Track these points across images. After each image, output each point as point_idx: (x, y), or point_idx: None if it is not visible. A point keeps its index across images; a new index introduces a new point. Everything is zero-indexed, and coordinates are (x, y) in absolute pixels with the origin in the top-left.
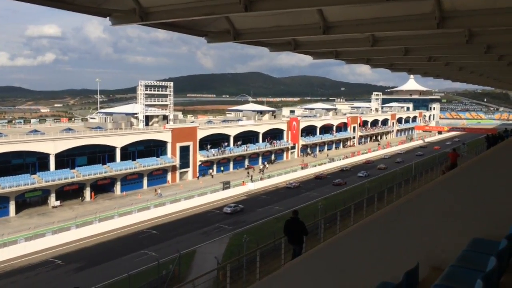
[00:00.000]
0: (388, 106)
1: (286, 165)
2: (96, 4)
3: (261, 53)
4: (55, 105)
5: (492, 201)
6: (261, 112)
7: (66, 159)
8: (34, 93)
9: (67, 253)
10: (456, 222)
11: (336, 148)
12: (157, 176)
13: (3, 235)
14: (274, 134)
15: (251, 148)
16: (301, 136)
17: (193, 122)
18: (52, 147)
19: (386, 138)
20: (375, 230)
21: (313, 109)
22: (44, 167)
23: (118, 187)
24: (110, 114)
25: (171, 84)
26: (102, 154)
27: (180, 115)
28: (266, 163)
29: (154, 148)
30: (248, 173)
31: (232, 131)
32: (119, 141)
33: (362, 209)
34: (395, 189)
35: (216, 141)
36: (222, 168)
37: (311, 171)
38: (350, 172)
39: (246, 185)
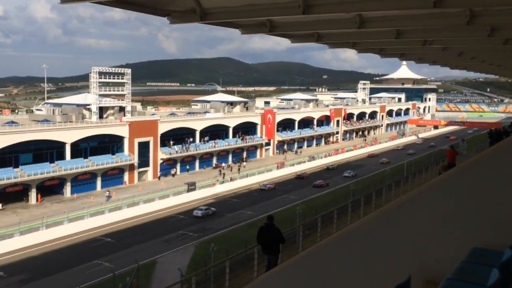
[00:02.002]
0: (377, 97)
1: (260, 164)
2: None
3: (231, 35)
4: None
5: (495, 205)
6: (232, 104)
7: (9, 156)
8: None
9: (10, 264)
10: (453, 230)
11: (317, 144)
12: (113, 176)
13: None
14: (246, 129)
15: (220, 145)
16: (277, 131)
17: (153, 114)
18: None
19: (375, 133)
20: (361, 238)
21: (291, 100)
22: None
23: (68, 188)
24: (59, 105)
25: (129, 71)
26: (50, 151)
27: (138, 106)
28: (243, 160)
29: (109, 144)
30: (220, 171)
31: (198, 125)
32: (69, 136)
33: (347, 214)
34: (385, 191)
35: (180, 136)
36: (187, 167)
37: (288, 171)
38: (335, 172)
39: (214, 186)
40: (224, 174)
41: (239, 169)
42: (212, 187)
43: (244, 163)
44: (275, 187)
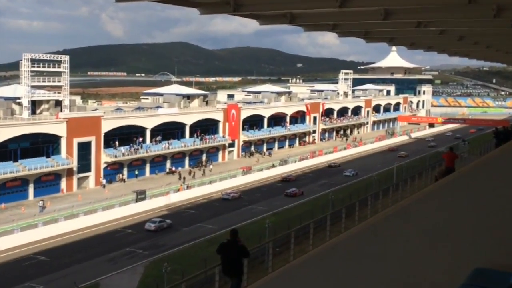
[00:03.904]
0: (362, 89)
1: (222, 169)
2: None
3: (188, 16)
4: None
5: (500, 218)
6: (189, 97)
7: None
8: None
9: None
10: (452, 247)
11: (290, 146)
12: (47, 183)
13: None
14: (206, 127)
15: (175, 146)
16: (243, 129)
17: (96, 109)
18: None
19: (359, 132)
20: (342, 257)
21: (259, 92)
22: None
23: None
24: None
25: (67, 58)
26: None
27: (78, 100)
28: (203, 164)
29: (43, 145)
30: (180, 176)
31: (149, 122)
32: None
33: (325, 228)
34: (370, 201)
35: (127, 135)
36: (136, 172)
37: (256, 177)
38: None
39: (168, 195)
40: (184, 178)
41: (204, 172)
42: (166, 195)
43: (211, 166)
44: (240, 196)
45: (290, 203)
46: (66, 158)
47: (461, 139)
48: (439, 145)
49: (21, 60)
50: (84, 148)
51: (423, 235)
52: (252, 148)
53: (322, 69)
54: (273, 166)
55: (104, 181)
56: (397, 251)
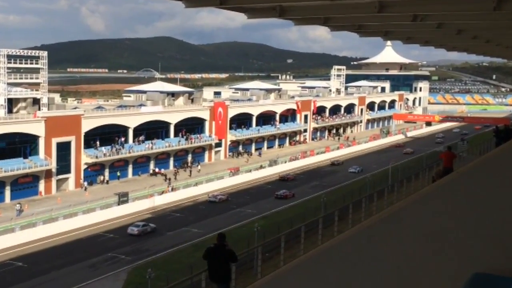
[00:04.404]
0: (355, 86)
1: (209, 170)
2: None
3: (172, 9)
4: None
5: (501, 221)
6: (173, 95)
7: None
8: None
9: None
10: (450, 251)
11: (280, 145)
12: (25, 185)
13: None
14: (191, 126)
15: (159, 146)
16: (230, 128)
17: (76, 108)
18: None
19: (352, 131)
20: (335, 262)
21: (248, 90)
22: None
23: None
24: None
25: (45, 54)
26: None
27: (57, 98)
28: (189, 165)
29: (20, 145)
30: (166, 178)
31: (132, 121)
32: None
33: (317, 232)
34: (364, 204)
35: (108, 135)
36: (118, 174)
37: (245, 178)
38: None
39: (152, 197)
40: (170, 179)
41: (190, 174)
42: (149, 198)
43: (199, 167)
44: (228, 199)
45: (280, 206)
46: (45, 159)
47: (467, 135)
48: (446, 142)
49: None
50: (64, 149)
51: (419, 239)
52: (240, 148)
53: (313, 65)
54: (261, 167)
55: (85, 183)
56: (392, 255)
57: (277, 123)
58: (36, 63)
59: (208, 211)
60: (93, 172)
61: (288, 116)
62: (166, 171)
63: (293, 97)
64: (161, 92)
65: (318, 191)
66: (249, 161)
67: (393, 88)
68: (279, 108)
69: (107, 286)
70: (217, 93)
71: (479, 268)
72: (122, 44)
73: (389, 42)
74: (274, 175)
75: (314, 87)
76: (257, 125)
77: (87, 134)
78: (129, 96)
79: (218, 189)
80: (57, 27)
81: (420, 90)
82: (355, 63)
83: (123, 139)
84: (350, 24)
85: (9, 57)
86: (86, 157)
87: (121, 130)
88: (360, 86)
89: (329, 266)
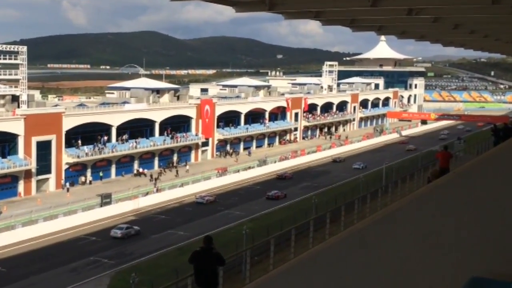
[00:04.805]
0: (348, 83)
1: (195, 170)
2: None
3: (157, 3)
4: None
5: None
6: (158, 91)
7: None
8: None
9: None
10: (447, 254)
11: (269, 144)
12: (3, 186)
13: None
14: (177, 124)
15: (143, 145)
16: (218, 127)
17: (56, 105)
18: None
19: (344, 130)
20: (326, 266)
21: (236, 86)
22: None
23: None
24: None
25: (24, 49)
26: None
27: (37, 95)
28: (174, 165)
29: None
30: (151, 178)
31: (115, 119)
32: None
33: (308, 235)
34: (357, 205)
35: (91, 134)
36: (100, 174)
37: (233, 179)
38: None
39: (136, 199)
40: (156, 179)
41: (177, 174)
42: (133, 199)
43: (187, 166)
44: (216, 200)
45: (270, 207)
46: (24, 159)
47: (471, 132)
48: (450, 138)
49: None
50: (44, 148)
51: (415, 242)
52: (228, 148)
53: (304, 61)
54: (250, 167)
55: (67, 184)
56: (386, 259)
57: (267, 121)
58: (15, 59)
59: (194, 213)
60: (75, 173)
61: (278, 114)
62: (150, 171)
63: (283, 94)
64: (146, 89)
65: (310, 191)
66: (238, 160)
67: (387, 85)
68: (268, 106)
69: None
70: (204, 90)
71: (477, 272)
72: (105, 39)
73: (383, 37)
74: (263, 175)
75: (305, 84)
76: (245, 123)
77: (69, 132)
78: (112, 93)
79: (205, 190)
80: (37, 21)
81: (415, 87)
82: (347, 58)
83: (106, 138)
84: (343, 18)
85: None
86: (68, 157)
87: (103, 129)
88: (353, 83)
89: (320, 270)
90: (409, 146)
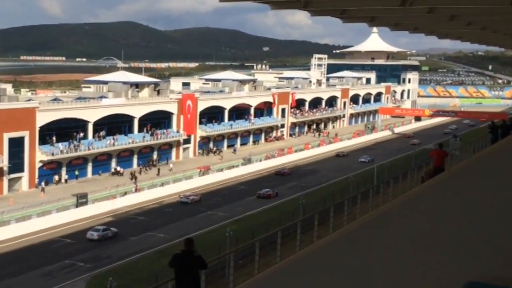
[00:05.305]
0: (338, 77)
1: (177, 168)
2: None
3: None
4: None
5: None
6: (137, 85)
7: None
8: None
9: None
10: (441, 258)
11: (255, 142)
12: None
13: None
14: (157, 120)
15: (121, 142)
16: (200, 123)
17: (30, 100)
18: None
19: (334, 126)
20: (314, 269)
21: (219, 80)
22: None
23: None
24: None
25: None
26: None
27: (9, 88)
28: (153, 163)
29: None
30: (132, 176)
31: (92, 114)
32: None
33: (295, 237)
34: (347, 206)
35: (66, 130)
36: (76, 173)
37: (216, 178)
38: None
39: (114, 199)
40: (136, 178)
41: (158, 172)
42: (111, 200)
43: (171, 164)
44: (201, 199)
45: (258, 207)
46: None
47: (474, 127)
48: (457, 132)
49: None
50: (16, 145)
51: (407, 245)
52: (211, 145)
53: (292, 54)
54: (233, 166)
55: (42, 184)
56: (377, 263)
57: (252, 117)
58: None
59: (175, 214)
60: (49, 171)
61: (264, 109)
62: (129, 169)
63: (269, 88)
64: (124, 82)
65: (298, 191)
66: (223, 159)
67: (379, 80)
68: (254, 101)
69: None
70: (186, 84)
71: (473, 276)
72: (81, 30)
73: (375, 29)
74: (247, 174)
75: (292, 78)
76: (229, 119)
77: (42, 129)
78: (89, 87)
79: (187, 189)
80: (9, 10)
81: (409, 81)
82: (337, 51)
83: (82, 134)
84: (333, 8)
85: None
86: (41, 154)
87: (79, 125)
88: (343, 77)
89: (307, 274)
90: (413, 140)
